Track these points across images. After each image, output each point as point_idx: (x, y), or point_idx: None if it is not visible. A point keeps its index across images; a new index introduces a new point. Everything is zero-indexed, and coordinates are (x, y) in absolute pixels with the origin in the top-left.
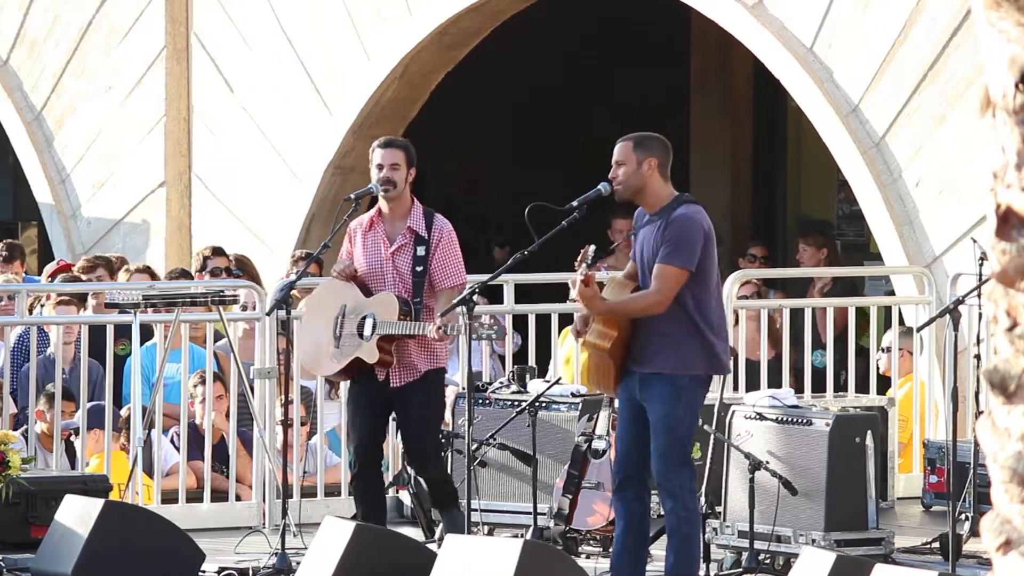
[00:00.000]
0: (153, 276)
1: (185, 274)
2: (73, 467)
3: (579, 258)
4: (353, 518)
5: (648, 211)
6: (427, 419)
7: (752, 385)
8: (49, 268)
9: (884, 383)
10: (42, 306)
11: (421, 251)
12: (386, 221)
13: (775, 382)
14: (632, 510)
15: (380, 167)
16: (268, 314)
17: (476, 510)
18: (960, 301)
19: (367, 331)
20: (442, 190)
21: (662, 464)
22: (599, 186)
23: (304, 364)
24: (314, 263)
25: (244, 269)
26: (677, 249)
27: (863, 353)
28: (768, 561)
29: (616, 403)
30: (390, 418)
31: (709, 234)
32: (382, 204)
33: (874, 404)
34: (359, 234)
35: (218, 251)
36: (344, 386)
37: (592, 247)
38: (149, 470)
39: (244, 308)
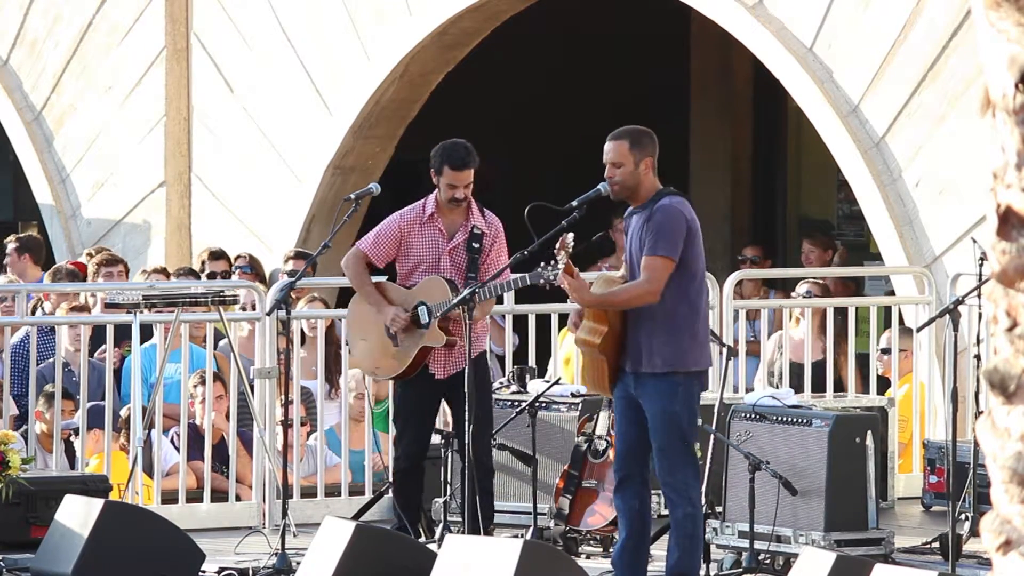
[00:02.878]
0: (168, 276)
1: (192, 273)
2: (73, 467)
3: (558, 246)
4: (399, 517)
5: (635, 206)
6: (476, 400)
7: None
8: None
9: (884, 383)
10: (43, 309)
11: (476, 246)
12: (444, 215)
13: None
14: (633, 508)
15: (453, 187)
16: (268, 314)
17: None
18: (960, 301)
19: (424, 319)
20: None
21: (664, 461)
22: (599, 186)
23: (367, 372)
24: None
25: (254, 268)
26: (660, 239)
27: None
28: (768, 561)
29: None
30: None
31: (692, 226)
32: (443, 204)
33: (874, 404)
34: (416, 225)
35: (217, 255)
36: (344, 386)
37: (571, 235)
38: (149, 470)
39: (244, 308)
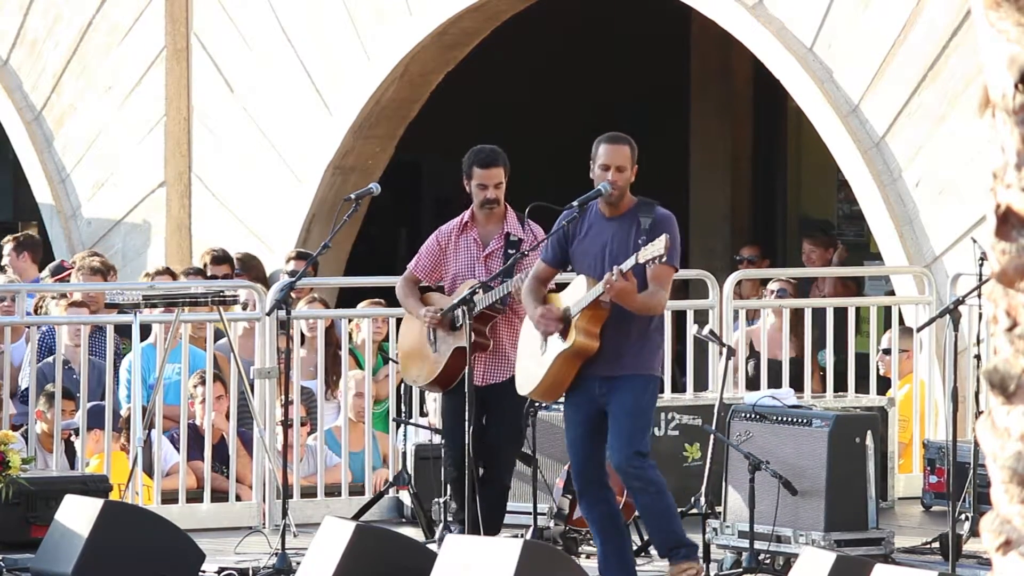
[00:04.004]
0: (174, 277)
1: (200, 273)
2: (73, 467)
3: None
4: (460, 523)
5: (612, 213)
6: (512, 426)
7: (774, 384)
8: (51, 268)
9: (884, 383)
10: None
11: (512, 252)
12: (479, 225)
13: (796, 381)
14: (601, 512)
15: (484, 187)
16: (268, 314)
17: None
18: (960, 301)
19: (459, 321)
20: (441, 190)
21: (624, 448)
22: (599, 186)
23: (411, 382)
24: (314, 264)
25: (248, 269)
26: (672, 251)
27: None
28: (768, 561)
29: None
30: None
31: None
32: (476, 210)
33: (874, 404)
34: (452, 239)
35: (219, 259)
36: (343, 386)
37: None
38: (149, 470)
39: (245, 307)
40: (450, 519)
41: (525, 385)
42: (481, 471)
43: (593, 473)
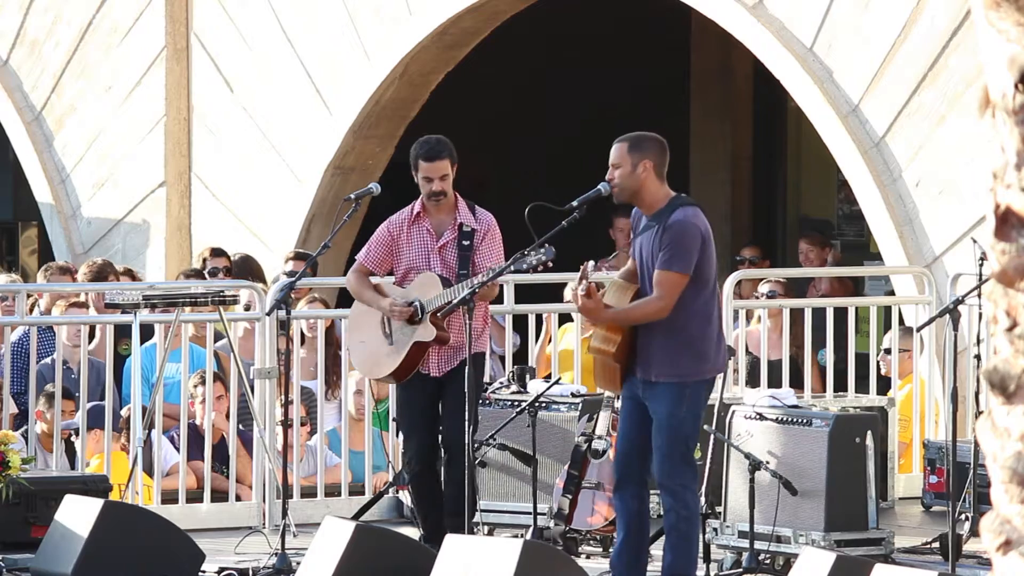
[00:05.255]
0: (134, 278)
1: (198, 274)
2: (73, 467)
3: (579, 276)
4: (422, 522)
5: (645, 213)
6: (461, 408)
7: (774, 384)
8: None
9: (884, 383)
10: (40, 310)
11: (466, 243)
12: (431, 215)
13: (796, 381)
14: (631, 508)
15: (429, 179)
16: (268, 314)
17: (476, 510)
18: (960, 301)
19: (419, 315)
20: None
21: (664, 462)
22: (599, 186)
23: (366, 375)
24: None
25: (245, 272)
26: (675, 255)
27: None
28: (768, 561)
29: (617, 402)
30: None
31: (707, 236)
32: (426, 202)
33: (874, 404)
34: (403, 229)
35: (218, 252)
36: (343, 385)
37: (591, 263)
38: (149, 470)
39: (247, 308)
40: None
41: (373, 370)
42: (444, 455)
43: (633, 468)
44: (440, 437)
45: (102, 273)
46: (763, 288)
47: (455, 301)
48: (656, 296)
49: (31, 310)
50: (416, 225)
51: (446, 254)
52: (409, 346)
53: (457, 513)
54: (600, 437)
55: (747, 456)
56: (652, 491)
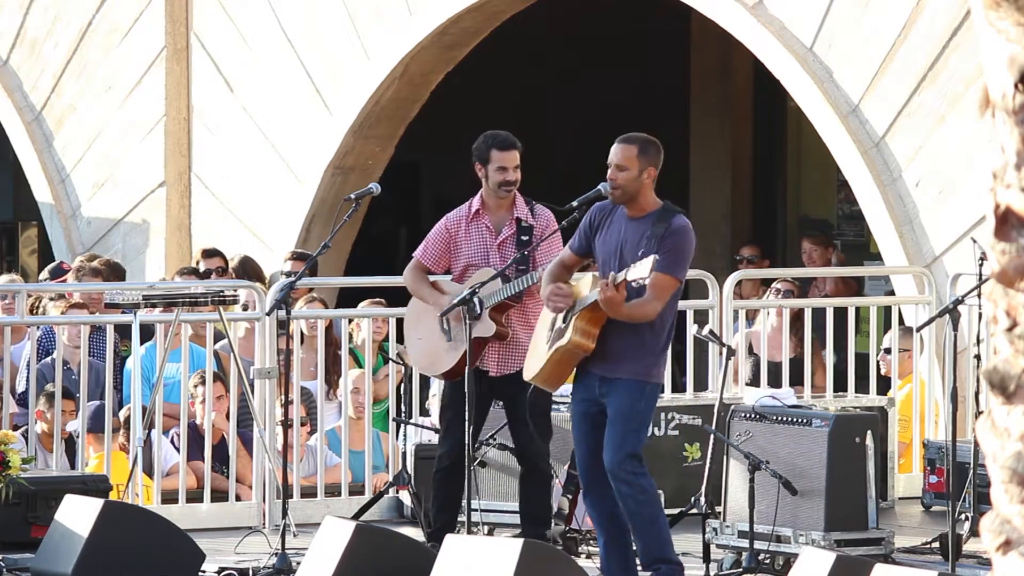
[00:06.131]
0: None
1: (194, 272)
2: (73, 467)
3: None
4: (432, 519)
5: (633, 215)
6: (535, 412)
7: (774, 384)
8: (50, 269)
9: (884, 383)
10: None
11: (525, 238)
12: (490, 211)
13: (797, 381)
14: (605, 510)
15: (504, 168)
16: (268, 314)
17: (476, 510)
18: (960, 301)
19: (476, 310)
20: (441, 189)
21: (615, 453)
22: (599, 186)
23: (423, 371)
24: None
25: (244, 274)
26: (677, 262)
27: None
28: (768, 561)
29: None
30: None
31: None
32: (487, 197)
33: (874, 404)
34: (462, 226)
35: (211, 252)
36: (343, 386)
37: (621, 274)
38: (149, 470)
39: (245, 308)
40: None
41: (528, 371)
42: (521, 467)
43: (598, 470)
44: (515, 449)
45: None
46: (778, 286)
47: (455, 301)
48: (653, 296)
49: (31, 310)
50: (475, 222)
51: (505, 250)
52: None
53: (540, 524)
54: None
55: (747, 456)
56: None
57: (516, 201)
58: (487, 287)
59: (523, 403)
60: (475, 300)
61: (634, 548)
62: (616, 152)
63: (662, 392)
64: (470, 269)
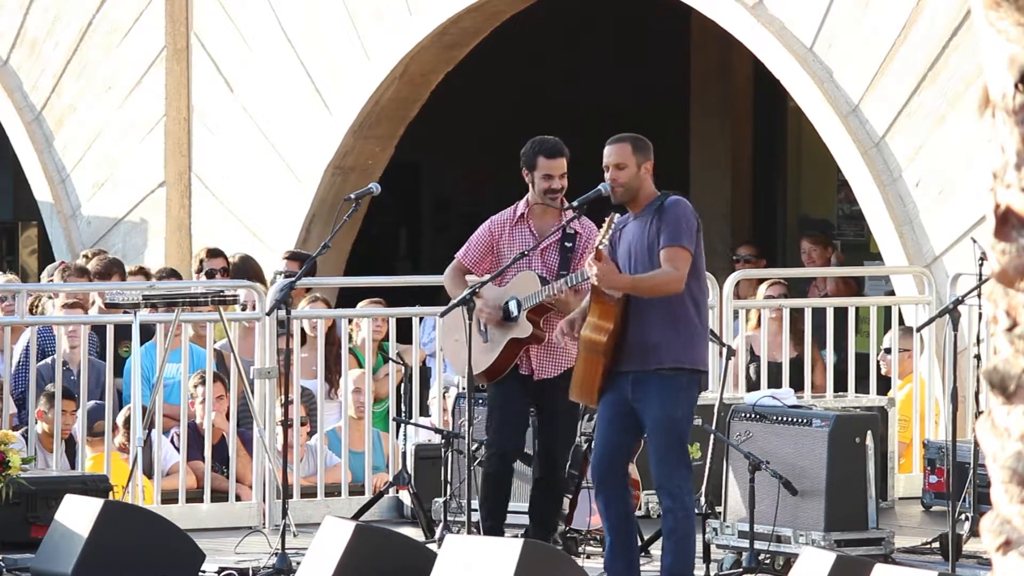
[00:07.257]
0: (148, 277)
1: (174, 274)
2: (73, 467)
3: (605, 226)
4: (481, 521)
5: (635, 211)
6: (563, 421)
7: (774, 385)
8: (51, 269)
9: (884, 383)
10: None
11: (569, 245)
12: (535, 217)
13: (797, 381)
14: (618, 512)
15: (549, 176)
16: (268, 314)
17: (476, 510)
18: (960, 301)
19: (513, 312)
20: (441, 189)
21: (661, 464)
22: (599, 186)
23: (460, 373)
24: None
25: (244, 274)
26: (679, 231)
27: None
28: (768, 561)
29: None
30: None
31: (699, 223)
32: (534, 202)
33: (874, 404)
34: (506, 229)
35: (215, 252)
36: (344, 386)
37: (617, 215)
38: (149, 470)
39: (244, 308)
40: (452, 519)
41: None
42: (537, 469)
43: (611, 470)
44: (536, 451)
45: (109, 270)
46: (769, 291)
47: (455, 301)
48: (670, 267)
49: (31, 310)
50: (519, 226)
51: (547, 256)
52: (504, 343)
53: (549, 530)
54: None
55: (747, 456)
56: (647, 491)
57: (563, 211)
58: (526, 289)
59: (556, 414)
60: (474, 300)
61: (649, 552)
62: (611, 153)
63: (704, 378)
64: (510, 273)
